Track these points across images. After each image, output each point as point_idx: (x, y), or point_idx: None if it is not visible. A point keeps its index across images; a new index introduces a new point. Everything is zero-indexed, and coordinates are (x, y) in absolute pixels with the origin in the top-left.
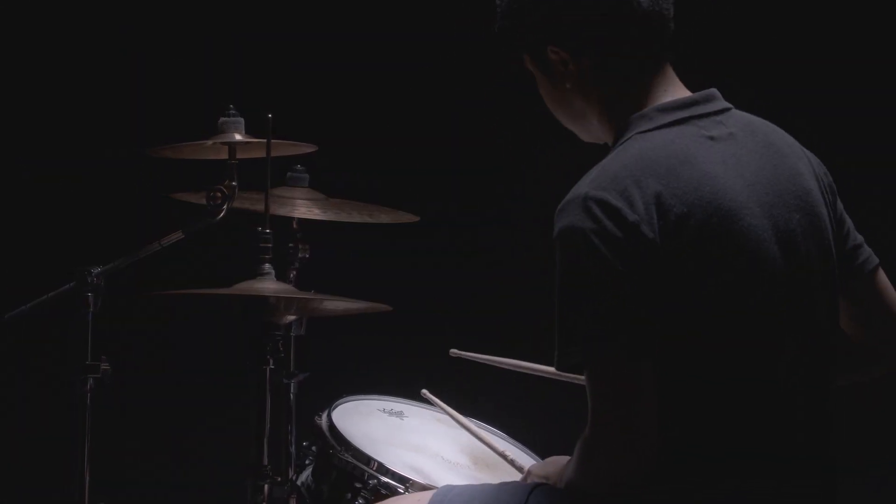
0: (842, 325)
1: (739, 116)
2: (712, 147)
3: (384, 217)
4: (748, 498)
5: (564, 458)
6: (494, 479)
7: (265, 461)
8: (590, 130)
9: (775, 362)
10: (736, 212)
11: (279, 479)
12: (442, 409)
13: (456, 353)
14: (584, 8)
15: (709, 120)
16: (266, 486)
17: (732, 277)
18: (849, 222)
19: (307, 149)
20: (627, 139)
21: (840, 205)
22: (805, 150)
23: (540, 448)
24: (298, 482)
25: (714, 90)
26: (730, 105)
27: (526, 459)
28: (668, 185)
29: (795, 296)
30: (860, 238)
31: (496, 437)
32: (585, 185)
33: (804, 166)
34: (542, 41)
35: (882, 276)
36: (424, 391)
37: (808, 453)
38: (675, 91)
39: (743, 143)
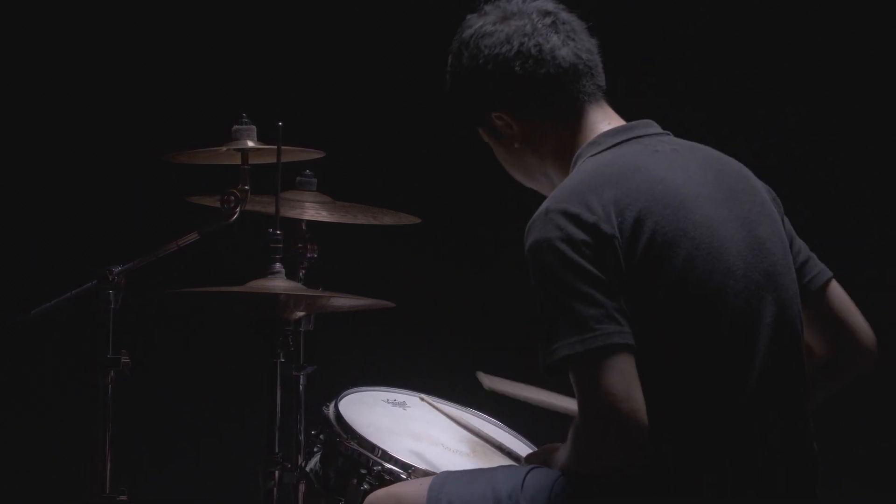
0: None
1: (678, 140)
2: (659, 157)
3: (388, 219)
4: (724, 478)
5: (557, 446)
6: (492, 466)
7: (276, 449)
8: (549, 184)
9: (751, 338)
10: (689, 204)
11: (289, 465)
12: (440, 411)
13: (489, 387)
14: (512, 73)
15: (651, 139)
16: (277, 473)
17: (696, 264)
18: (798, 239)
19: (315, 155)
20: (581, 163)
21: (788, 222)
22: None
23: (533, 435)
24: (307, 468)
25: (650, 120)
26: (668, 132)
27: (522, 448)
28: (622, 189)
29: (765, 282)
30: (811, 253)
31: (493, 427)
32: (547, 202)
33: (748, 174)
34: (485, 110)
35: (836, 288)
36: (422, 395)
37: (786, 443)
38: (614, 122)
39: (686, 156)
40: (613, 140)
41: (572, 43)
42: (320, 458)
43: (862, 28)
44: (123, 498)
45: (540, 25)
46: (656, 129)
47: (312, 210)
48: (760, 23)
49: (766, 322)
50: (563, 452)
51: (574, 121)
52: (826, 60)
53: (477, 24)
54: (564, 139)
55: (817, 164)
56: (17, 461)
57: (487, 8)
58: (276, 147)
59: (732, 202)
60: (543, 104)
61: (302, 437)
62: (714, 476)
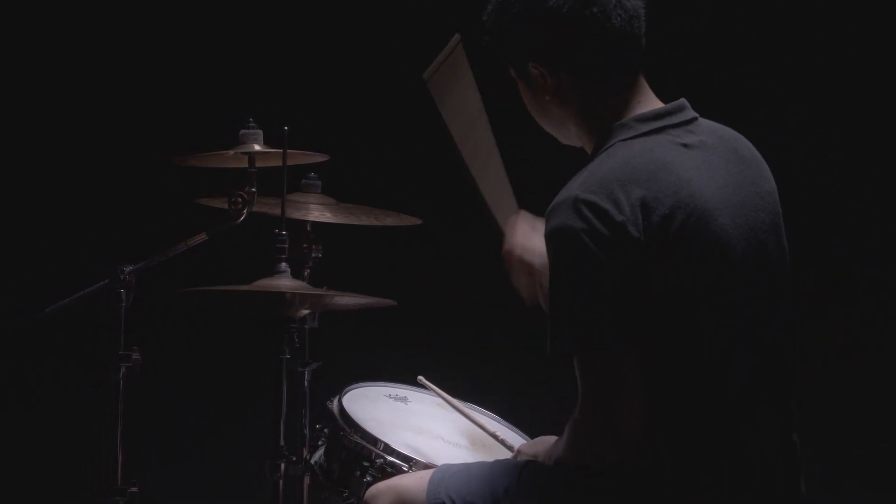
0: None
1: (707, 125)
2: (686, 154)
3: (390, 220)
4: (721, 479)
5: (551, 438)
6: (490, 459)
7: (282, 442)
8: (567, 136)
9: (747, 342)
10: (710, 213)
11: (294, 458)
12: (436, 392)
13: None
14: (561, 29)
15: (681, 129)
16: (282, 465)
17: (708, 271)
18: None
19: (320, 158)
20: (611, 146)
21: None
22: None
23: (528, 429)
24: (312, 461)
25: (684, 101)
26: (697, 115)
27: (516, 439)
28: (650, 190)
29: (763, 286)
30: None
31: (489, 419)
32: (575, 188)
33: (765, 170)
34: (524, 57)
35: None
36: (420, 378)
37: (783, 444)
38: (648, 102)
39: (713, 150)
40: (645, 128)
41: (622, 9)
42: (324, 451)
43: (863, 26)
44: (134, 490)
45: None
46: (688, 113)
47: (317, 211)
48: (762, 20)
49: (763, 328)
50: (558, 446)
51: (608, 91)
52: (827, 59)
53: None
54: (594, 107)
55: (818, 162)
56: (25, 459)
57: None
58: (281, 151)
59: (747, 210)
60: (583, 69)
61: (307, 431)
62: (711, 477)
